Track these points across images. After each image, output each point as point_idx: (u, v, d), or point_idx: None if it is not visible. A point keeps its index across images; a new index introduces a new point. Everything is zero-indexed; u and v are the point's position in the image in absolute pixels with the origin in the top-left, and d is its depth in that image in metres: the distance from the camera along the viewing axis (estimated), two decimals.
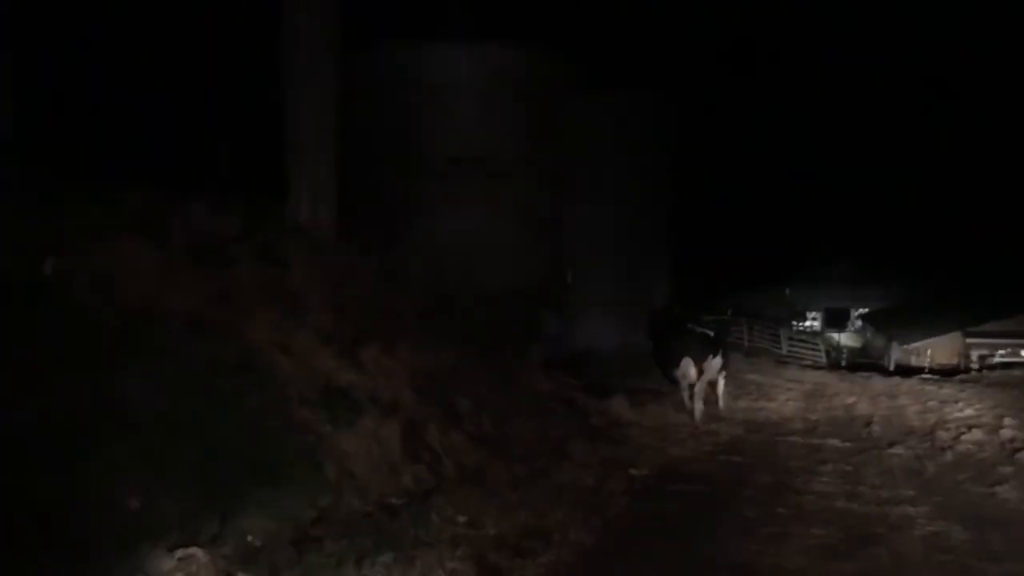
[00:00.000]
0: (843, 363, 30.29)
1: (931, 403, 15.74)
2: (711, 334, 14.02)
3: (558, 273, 18.55)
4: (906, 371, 26.95)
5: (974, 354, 34.74)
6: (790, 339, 28.64)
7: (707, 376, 13.22)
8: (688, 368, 12.97)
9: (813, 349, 28.55)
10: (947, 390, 17.73)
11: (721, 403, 14.01)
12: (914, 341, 34.37)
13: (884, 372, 26.71)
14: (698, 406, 12.92)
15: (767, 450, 11.17)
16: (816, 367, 23.80)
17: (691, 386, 13.11)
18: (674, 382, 13.66)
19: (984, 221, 48.51)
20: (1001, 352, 34.81)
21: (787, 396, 16.08)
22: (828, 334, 45.71)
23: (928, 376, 22.13)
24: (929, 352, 30.79)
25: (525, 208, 17.41)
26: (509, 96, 17.44)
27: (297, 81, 11.02)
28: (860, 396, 16.53)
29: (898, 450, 11.13)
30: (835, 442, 11.73)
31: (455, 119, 16.73)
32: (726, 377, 14.36)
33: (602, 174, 20.62)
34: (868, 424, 13.16)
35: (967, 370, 30.87)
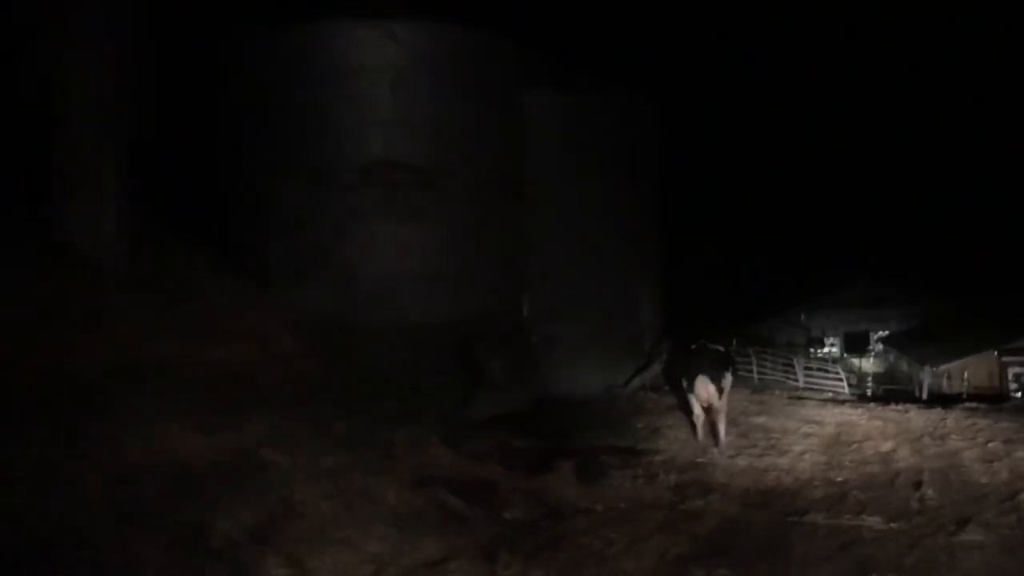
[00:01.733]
0: (868, 392, 26.10)
1: (993, 444, 11.80)
2: (723, 350, 12.92)
3: (512, 304, 14.71)
4: (942, 399, 22.84)
5: (1011, 373, 30.68)
6: (807, 368, 24.54)
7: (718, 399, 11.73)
8: (704, 387, 11.54)
9: (835, 379, 24.39)
10: (1005, 424, 13.76)
11: (722, 435, 11.97)
12: (946, 363, 30.15)
13: (917, 401, 22.64)
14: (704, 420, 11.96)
15: (774, 544, 7.24)
16: (838, 400, 19.69)
17: (707, 410, 11.88)
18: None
19: (1007, 230, 44.46)
20: None
21: (804, 446, 12.14)
22: (850, 360, 41.80)
23: (972, 405, 18.02)
24: (966, 375, 26.51)
25: (464, 224, 13.64)
26: (450, 89, 13.81)
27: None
28: (898, 439, 12.61)
29: (975, 533, 7.20)
30: (876, 521, 7.88)
31: (372, 116, 13.08)
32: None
33: (572, 186, 16.89)
34: (918, 486, 9.26)
35: (1008, 396, 26.62)
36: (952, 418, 15.08)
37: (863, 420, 14.99)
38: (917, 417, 15.36)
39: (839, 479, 9.93)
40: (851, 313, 45.48)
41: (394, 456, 7.52)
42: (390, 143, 13.21)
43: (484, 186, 14.27)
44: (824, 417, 15.13)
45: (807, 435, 13.08)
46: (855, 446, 12.15)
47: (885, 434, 13.20)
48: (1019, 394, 25.56)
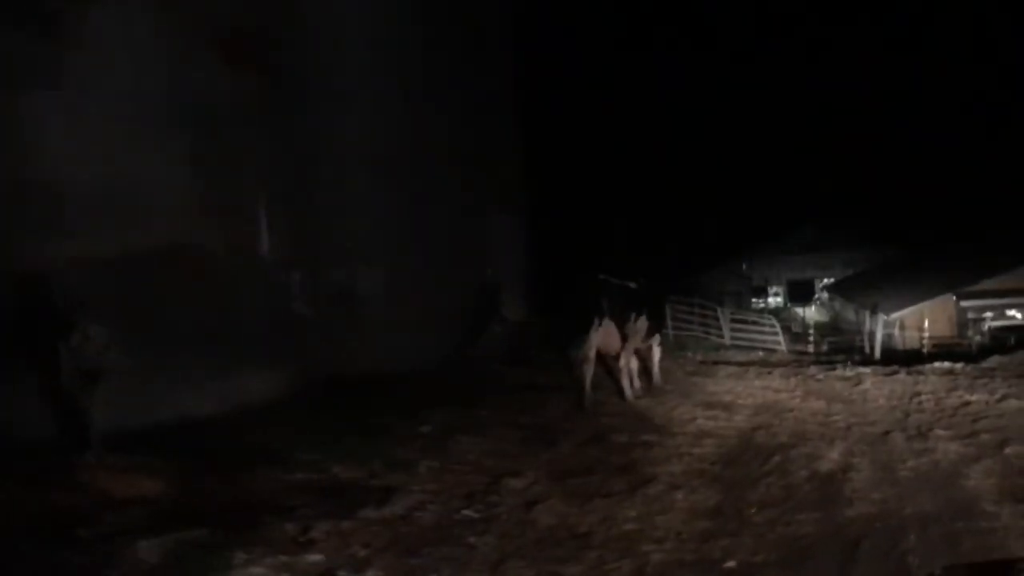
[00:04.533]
0: (810, 348, 20.93)
1: (1014, 448, 6.64)
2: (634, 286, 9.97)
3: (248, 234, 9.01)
4: (899, 356, 17.72)
5: (970, 319, 25.85)
6: (735, 322, 19.24)
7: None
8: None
9: (770, 333, 19.12)
10: (1008, 397, 8.68)
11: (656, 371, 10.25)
12: (899, 310, 25.10)
13: (869, 361, 17.51)
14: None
15: None
16: (767, 364, 14.35)
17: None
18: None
19: (951, 166, 39.55)
20: (989, 314, 25.56)
21: (701, 448, 6.75)
22: (793, 310, 37.27)
23: (942, 365, 12.91)
24: (926, 324, 21.43)
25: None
26: None
27: None
28: (850, 440, 7.34)
29: None
30: None
31: None
32: None
33: (378, 69, 11.14)
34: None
35: (974, 348, 21.69)
36: (927, 390, 9.82)
37: (795, 399, 9.64)
38: (875, 390, 10.09)
39: (746, 558, 4.51)
40: (795, 260, 40.91)
41: None
42: None
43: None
44: (738, 397, 9.76)
45: (712, 419, 7.67)
46: (775, 459, 6.74)
47: (828, 429, 7.86)
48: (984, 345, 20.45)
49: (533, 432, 7.60)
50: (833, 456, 6.80)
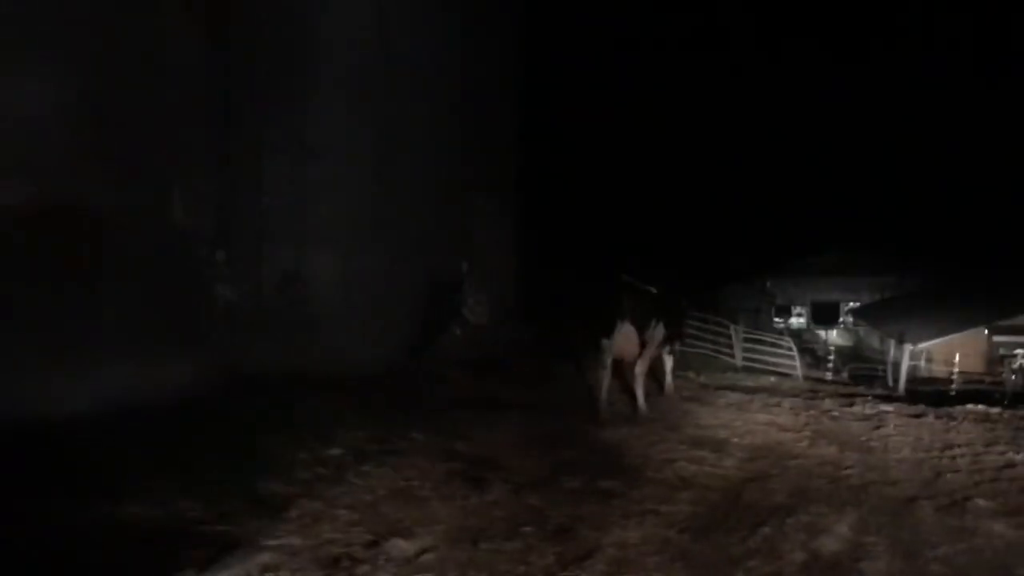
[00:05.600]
0: (829, 375, 19.06)
1: None
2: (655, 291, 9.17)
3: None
4: (924, 394, 15.86)
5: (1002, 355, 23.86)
6: (748, 341, 17.45)
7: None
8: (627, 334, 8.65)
9: (785, 355, 17.30)
10: None
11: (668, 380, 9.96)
12: (926, 340, 23.22)
13: (892, 396, 15.66)
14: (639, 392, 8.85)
15: None
16: (775, 394, 12.56)
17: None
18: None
19: (991, 192, 37.36)
20: (1020, 351, 23.42)
21: (672, 505, 5.17)
22: (816, 332, 35.79)
23: (978, 408, 11.15)
24: (957, 358, 19.46)
25: None
26: None
27: None
28: (867, 501, 5.66)
29: None
30: None
31: None
32: None
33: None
34: None
35: (1003, 388, 19.75)
36: (961, 440, 8.12)
37: (803, 441, 7.94)
38: (899, 437, 8.38)
39: None
40: (821, 282, 39.45)
41: None
42: None
43: None
44: (734, 434, 8.07)
45: (669, 493, 5.99)
46: (764, 530, 5.09)
47: (838, 488, 6.19)
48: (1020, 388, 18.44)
49: (465, 466, 6.00)
50: (842, 530, 5.14)
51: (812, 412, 9.82)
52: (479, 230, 10.95)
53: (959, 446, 7.90)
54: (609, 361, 8.71)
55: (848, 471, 6.77)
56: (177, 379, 7.18)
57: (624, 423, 8.23)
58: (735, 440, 7.78)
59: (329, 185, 9.18)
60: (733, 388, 12.09)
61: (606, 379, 8.67)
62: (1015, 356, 22.54)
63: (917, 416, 9.91)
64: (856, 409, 10.42)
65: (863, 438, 8.28)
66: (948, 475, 6.71)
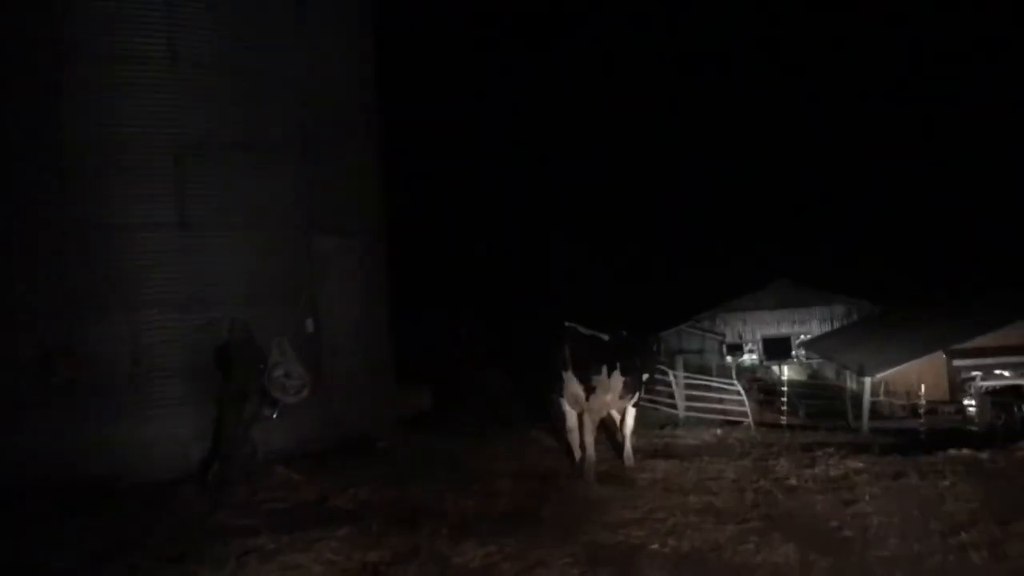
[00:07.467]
0: (783, 419, 16.71)
1: None
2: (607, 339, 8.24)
3: None
4: (891, 435, 13.65)
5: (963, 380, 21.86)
6: (690, 387, 15.05)
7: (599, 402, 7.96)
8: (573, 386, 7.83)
9: (733, 400, 14.93)
10: None
11: (627, 445, 8.66)
12: (885, 369, 21.15)
13: (855, 436, 13.37)
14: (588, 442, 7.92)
15: None
16: (726, 445, 10.17)
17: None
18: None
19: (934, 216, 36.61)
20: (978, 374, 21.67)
21: None
22: (771, 368, 34.18)
23: (963, 453, 8.89)
24: (923, 389, 17.31)
25: None
26: None
27: None
28: None
29: None
30: None
31: None
32: None
33: None
34: None
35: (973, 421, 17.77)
36: (960, 513, 5.77)
37: (749, 538, 5.47)
38: (878, 514, 6.00)
39: None
40: (769, 316, 38.26)
41: None
42: None
43: None
44: (652, 535, 5.57)
45: None
46: None
47: None
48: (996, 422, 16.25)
49: None
50: None
51: (762, 484, 7.37)
52: (325, 272, 8.43)
53: (964, 525, 5.53)
54: (575, 418, 8.03)
55: None
56: None
57: (503, 532, 5.67)
58: (651, 546, 5.29)
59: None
60: (668, 453, 9.62)
61: (575, 438, 8.03)
62: (975, 380, 20.56)
63: (896, 477, 7.55)
64: (819, 471, 8.04)
65: (832, 523, 5.87)
66: None
